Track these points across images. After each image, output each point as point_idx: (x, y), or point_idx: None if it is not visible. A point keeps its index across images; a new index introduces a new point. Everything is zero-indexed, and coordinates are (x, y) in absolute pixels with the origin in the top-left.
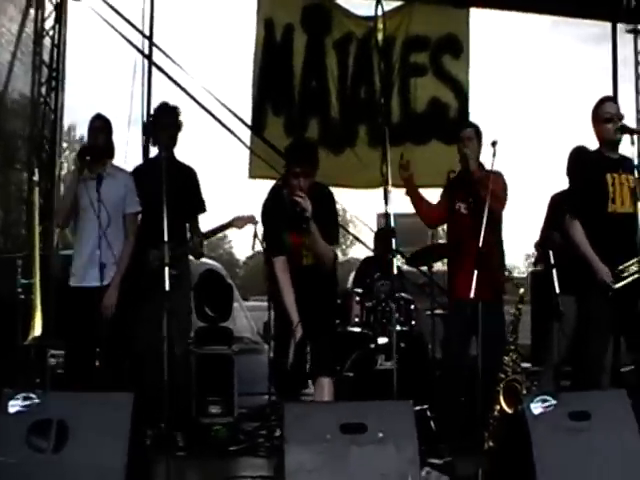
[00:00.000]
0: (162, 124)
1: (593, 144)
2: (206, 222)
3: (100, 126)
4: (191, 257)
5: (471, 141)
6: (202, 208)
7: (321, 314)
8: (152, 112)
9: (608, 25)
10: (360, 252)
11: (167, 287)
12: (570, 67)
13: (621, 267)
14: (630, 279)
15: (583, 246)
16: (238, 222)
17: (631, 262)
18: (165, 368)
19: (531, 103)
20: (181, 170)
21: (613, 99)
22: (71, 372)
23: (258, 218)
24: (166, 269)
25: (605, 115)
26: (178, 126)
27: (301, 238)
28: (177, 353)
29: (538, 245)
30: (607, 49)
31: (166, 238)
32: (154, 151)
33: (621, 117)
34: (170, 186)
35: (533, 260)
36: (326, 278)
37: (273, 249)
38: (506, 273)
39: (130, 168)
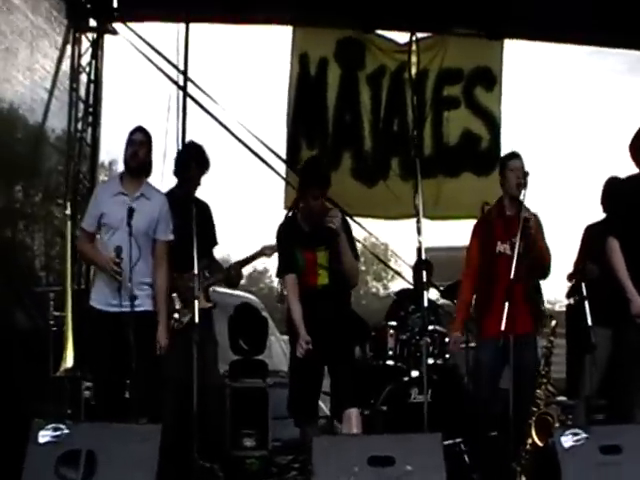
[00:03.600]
0: (197, 165)
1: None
2: (244, 250)
3: (139, 139)
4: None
5: (522, 172)
6: (215, 241)
7: (338, 338)
8: (182, 150)
9: None
10: (401, 287)
11: (197, 319)
12: (604, 98)
13: None
14: None
15: (621, 273)
16: (267, 250)
17: None
18: (195, 399)
19: (564, 135)
20: (199, 206)
21: None
22: (99, 401)
23: None
24: (196, 302)
25: None
26: (209, 166)
27: (315, 256)
28: (208, 384)
29: (571, 276)
30: None
31: (196, 270)
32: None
33: None
34: (190, 223)
35: (566, 293)
36: (341, 298)
37: (285, 267)
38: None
39: None
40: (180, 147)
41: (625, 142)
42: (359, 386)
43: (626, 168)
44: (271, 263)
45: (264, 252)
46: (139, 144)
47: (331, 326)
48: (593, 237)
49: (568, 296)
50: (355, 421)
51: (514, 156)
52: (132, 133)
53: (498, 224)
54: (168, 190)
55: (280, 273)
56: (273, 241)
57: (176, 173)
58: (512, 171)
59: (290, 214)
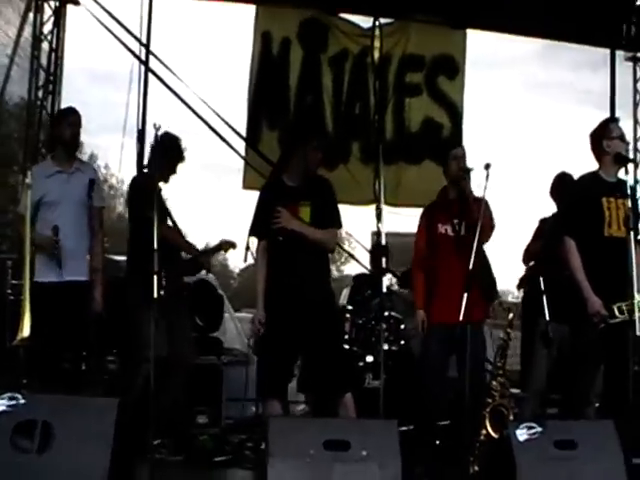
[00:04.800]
0: (174, 158)
1: (582, 169)
2: (203, 232)
3: (77, 120)
4: None
5: (464, 159)
6: None
7: (321, 314)
8: (163, 143)
9: (602, 52)
10: (354, 269)
11: (155, 294)
12: (562, 92)
13: (618, 305)
14: (621, 318)
15: (578, 272)
16: (225, 245)
17: (627, 302)
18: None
19: (523, 127)
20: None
21: (617, 120)
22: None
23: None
24: (154, 278)
25: (613, 133)
26: (184, 158)
27: (297, 210)
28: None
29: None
30: (602, 76)
31: (156, 245)
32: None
33: (627, 141)
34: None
35: (517, 284)
36: (321, 257)
37: (258, 232)
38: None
39: (125, 173)
40: (140, 122)
41: (580, 135)
42: (349, 368)
43: (581, 162)
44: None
45: (222, 247)
46: (77, 125)
47: (311, 291)
48: (549, 230)
49: (518, 287)
50: (351, 407)
51: (454, 145)
52: (69, 115)
53: (439, 208)
54: (136, 176)
55: (252, 233)
56: (230, 223)
57: (151, 165)
58: (454, 159)
59: (274, 176)
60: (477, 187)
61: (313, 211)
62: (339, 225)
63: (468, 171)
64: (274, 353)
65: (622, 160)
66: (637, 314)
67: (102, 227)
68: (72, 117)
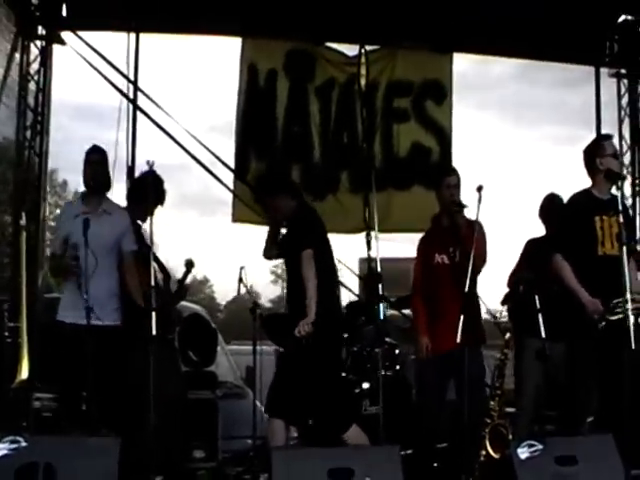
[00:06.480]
0: (154, 198)
1: (566, 188)
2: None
3: (97, 159)
4: None
5: (457, 189)
6: None
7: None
8: (140, 180)
9: (582, 69)
10: (344, 297)
11: (154, 332)
12: (545, 113)
13: (615, 301)
14: (620, 315)
15: (572, 282)
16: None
17: (622, 299)
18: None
19: (507, 149)
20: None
21: (611, 137)
22: (62, 413)
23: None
24: (153, 314)
25: (607, 151)
26: (164, 200)
27: None
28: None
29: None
30: (580, 94)
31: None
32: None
33: (618, 156)
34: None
35: (501, 300)
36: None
37: None
38: (486, 317)
39: None
40: (130, 159)
41: (563, 154)
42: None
43: (566, 182)
44: (211, 273)
45: (189, 268)
46: (97, 164)
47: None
48: (534, 250)
49: (502, 303)
50: (357, 436)
51: (449, 172)
52: (89, 153)
53: (435, 236)
54: None
55: None
56: (221, 256)
57: (130, 199)
58: (447, 188)
59: None
60: (470, 210)
61: (290, 255)
62: (305, 248)
63: (462, 207)
64: (278, 375)
65: (613, 176)
66: (632, 327)
67: (136, 270)
68: (92, 155)
